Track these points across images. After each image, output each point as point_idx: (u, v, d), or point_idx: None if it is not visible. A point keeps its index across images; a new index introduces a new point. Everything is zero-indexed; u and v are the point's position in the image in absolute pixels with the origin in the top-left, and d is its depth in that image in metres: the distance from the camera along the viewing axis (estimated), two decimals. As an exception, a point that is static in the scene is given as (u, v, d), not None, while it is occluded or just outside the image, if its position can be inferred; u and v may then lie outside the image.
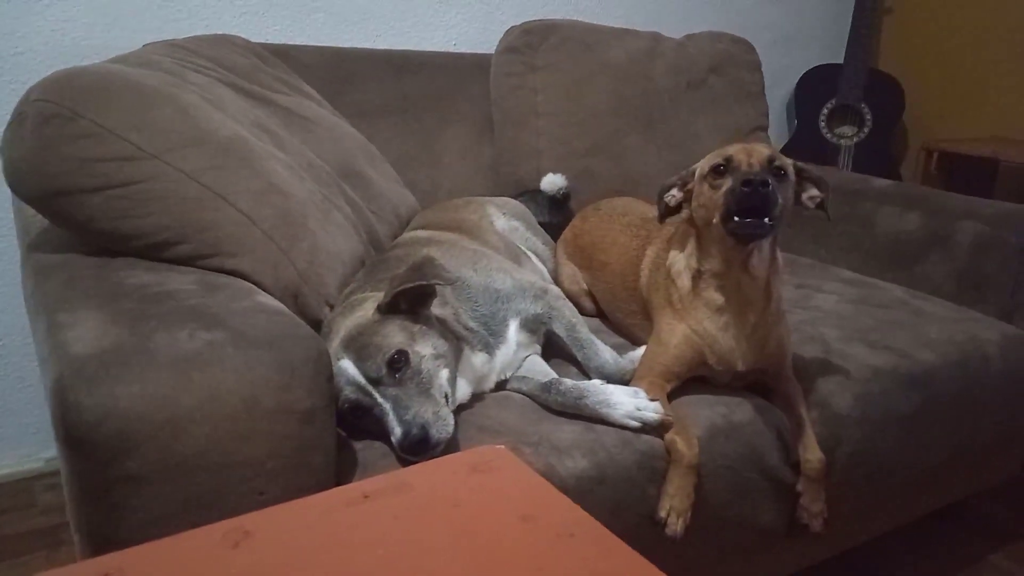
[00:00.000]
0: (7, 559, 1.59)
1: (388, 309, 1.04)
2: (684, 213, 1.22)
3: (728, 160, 1.12)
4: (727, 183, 1.09)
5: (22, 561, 1.59)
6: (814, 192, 1.20)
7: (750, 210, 1.05)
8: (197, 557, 0.65)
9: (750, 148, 1.13)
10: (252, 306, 0.92)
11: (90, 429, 0.74)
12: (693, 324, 1.19)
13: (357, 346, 1.00)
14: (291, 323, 0.89)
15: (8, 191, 1.58)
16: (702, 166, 1.16)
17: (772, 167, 1.11)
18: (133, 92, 1.07)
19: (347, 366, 0.99)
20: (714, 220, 1.11)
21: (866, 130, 2.60)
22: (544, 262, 1.58)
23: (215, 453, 0.79)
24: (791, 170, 1.14)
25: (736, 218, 1.06)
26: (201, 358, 0.79)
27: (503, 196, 1.75)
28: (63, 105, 1.00)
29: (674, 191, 1.21)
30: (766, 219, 1.05)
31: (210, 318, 0.86)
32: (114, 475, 0.75)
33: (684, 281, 1.21)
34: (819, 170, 1.21)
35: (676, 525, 1.09)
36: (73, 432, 0.74)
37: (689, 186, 1.19)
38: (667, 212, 1.23)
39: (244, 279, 1.04)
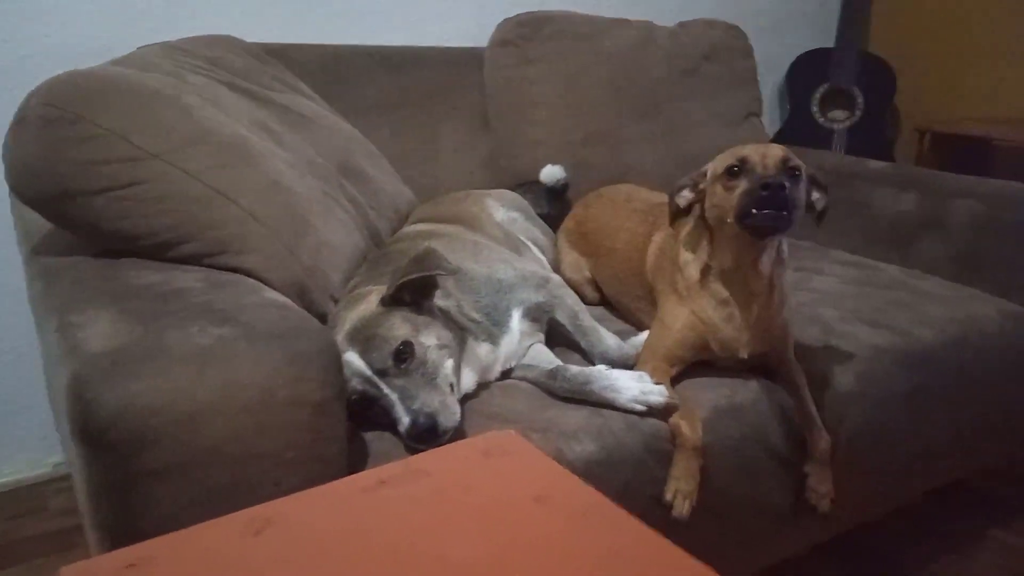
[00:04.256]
0: (21, 562, 1.61)
1: (392, 301, 1.06)
2: (693, 213, 1.23)
3: (743, 161, 1.12)
4: (742, 185, 1.10)
5: (36, 564, 1.60)
6: (818, 195, 1.21)
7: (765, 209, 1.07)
8: (221, 545, 0.66)
9: (764, 149, 1.13)
10: (261, 301, 0.93)
11: (108, 425, 0.75)
12: (697, 310, 1.21)
13: (362, 338, 1.02)
14: (300, 317, 0.90)
15: (6, 201, 1.61)
16: (715, 167, 1.17)
17: (787, 168, 1.12)
18: (134, 94, 1.07)
19: (353, 358, 1.01)
20: (728, 219, 1.12)
21: (859, 113, 2.62)
22: (544, 252, 1.60)
23: (232, 445, 0.80)
24: (804, 170, 1.15)
25: (754, 210, 1.07)
26: (215, 353, 0.81)
27: (501, 188, 1.77)
28: (65, 108, 1.00)
29: (686, 192, 1.21)
30: (784, 211, 1.06)
31: (220, 314, 0.87)
32: (133, 470, 0.76)
33: (692, 272, 1.22)
34: (832, 167, 1.22)
35: (683, 507, 1.11)
36: (91, 429, 0.75)
37: (701, 187, 1.19)
38: (677, 213, 1.23)
39: (250, 276, 1.05)
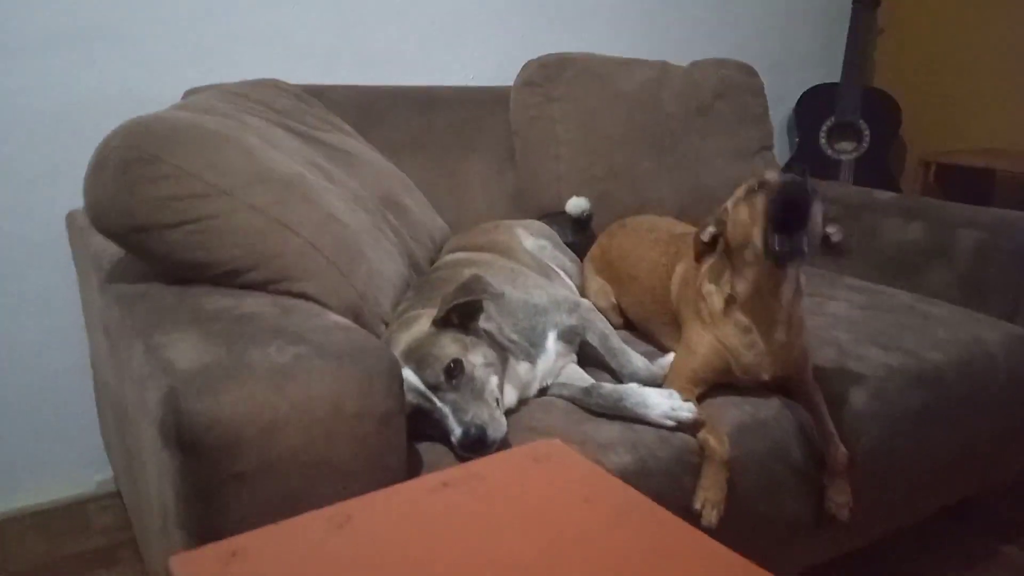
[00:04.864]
0: (67, 576, 1.68)
1: (442, 323, 1.15)
2: (718, 249, 1.31)
3: (763, 183, 1.20)
4: (763, 197, 1.17)
5: (82, 578, 1.67)
6: (833, 228, 1.26)
7: (788, 222, 1.13)
8: (308, 537, 0.75)
9: (780, 173, 1.21)
10: (328, 324, 1.02)
11: (202, 433, 0.83)
12: (720, 337, 1.29)
13: (417, 357, 1.11)
14: (365, 337, 0.99)
15: (56, 237, 1.72)
16: (738, 193, 1.25)
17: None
18: (203, 136, 1.17)
19: (409, 375, 1.09)
20: (753, 238, 1.19)
21: (865, 145, 2.71)
22: (571, 278, 1.68)
23: (307, 453, 0.89)
24: (820, 192, 1.21)
25: (777, 235, 1.14)
26: (292, 369, 0.89)
27: (529, 219, 1.86)
28: (142, 150, 1.09)
29: (710, 228, 1.28)
30: (803, 238, 1.13)
31: (293, 335, 0.96)
32: (222, 474, 0.85)
33: (715, 302, 1.30)
34: (839, 197, 1.28)
35: (711, 516, 1.18)
36: (186, 437, 0.83)
37: (723, 218, 1.26)
38: (703, 250, 1.31)
39: (310, 301, 1.14)
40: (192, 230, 1.10)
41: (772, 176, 1.21)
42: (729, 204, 1.27)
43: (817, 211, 1.18)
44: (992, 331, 1.66)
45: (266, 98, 1.54)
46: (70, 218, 1.66)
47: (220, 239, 1.12)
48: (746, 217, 1.21)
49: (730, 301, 1.28)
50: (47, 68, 1.71)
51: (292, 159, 1.30)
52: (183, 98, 1.63)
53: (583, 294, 1.66)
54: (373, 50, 2.06)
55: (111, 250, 1.31)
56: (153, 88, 1.80)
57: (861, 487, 1.34)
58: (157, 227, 1.10)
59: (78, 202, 1.31)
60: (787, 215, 1.14)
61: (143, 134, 1.13)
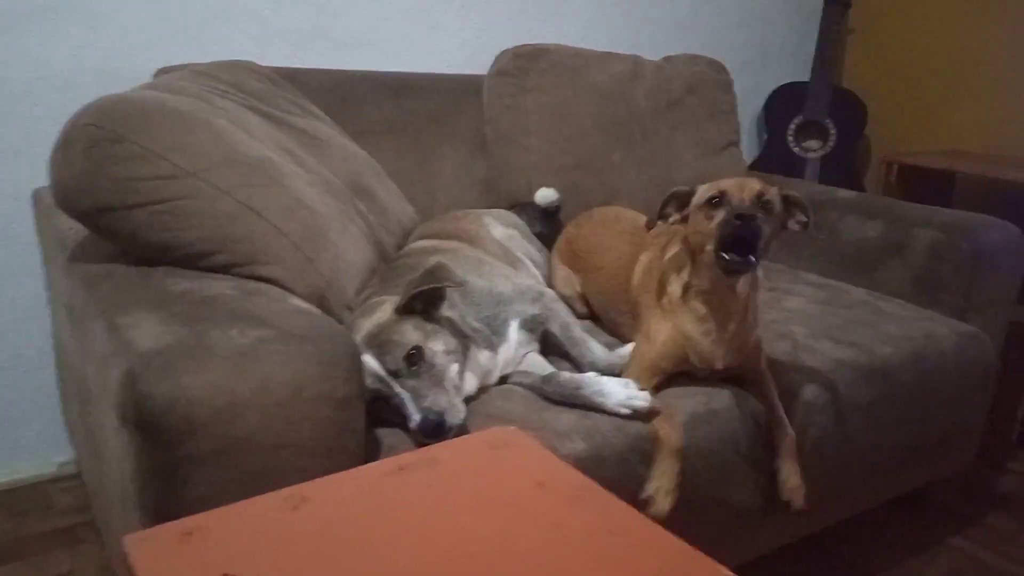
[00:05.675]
0: (29, 557, 1.68)
1: (404, 310, 1.16)
2: (672, 220, 1.33)
3: (722, 194, 1.23)
4: (720, 215, 1.21)
5: (42, 559, 1.67)
6: (800, 216, 1.30)
7: (739, 242, 1.18)
8: (264, 517, 0.76)
9: (743, 183, 1.24)
10: (290, 308, 1.03)
11: (160, 414, 0.84)
12: (678, 325, 1.33)
13: (378, 343, 1.12)
14: (327, 322, 1.01)
15: (21, 215, 1.70)
16: (699, 196, 1.27)
17: (761, 201, 1.23)
18: (172, 117, 1.18)
19: (369, 360, 1.11)
20: (707, 247, 1.23)
21: (831, 144, 2.77)
22: (538, 267, 1.70)
23: (266, 435, 0.90)
24: (778, 203, 1.26)
25: (725, 255, 1.19)
26: (253, 352, 0.91)
27: (498, 208, 1.88)
28: (110, 129, 1.10)
29: (672, 211, 1.31)
30: (751, 256, 1.18)
31: (255, 318, 0.97)
32: (180, 455, 0.86)
33: (675, 289, 1.33)
34: (803, 196, 1.30)
35: (663, 503, 1.21)
36: (145, 417, 0.85)
37: (686, 211, 1.29)
38: (660, 216, 1.33)
39: (275, 285, 1.15)
40: (158, 211, 1.11)
41: (731, 189, 1.23)
42: (693, 200, 1.29)
43: (770, 226, 1.21)
44: (943, 328, 1.72)
45: (238, 80, 1.54)
46: (36, 196, 1.65)
47: (186, 221, 1.12)
48: (702, 227, 1.25)
49: (688, 289, 1.32)
50: (16, 42, 1.68)
51: (262, 143, 1.31)
52: (154, 77, 1.62)
53: (549, 283, 1.68)
54: (347, 34, 2.05)
55: (76, 229, 1.30)
56: (124, 66, 1.79)
57: (810, 476, 1.38)
58: (123, 207, 1.10)
59: (45, 180, 1.30)
60: (737, 243, 1.18)
61: (112, 113, 1.12)
